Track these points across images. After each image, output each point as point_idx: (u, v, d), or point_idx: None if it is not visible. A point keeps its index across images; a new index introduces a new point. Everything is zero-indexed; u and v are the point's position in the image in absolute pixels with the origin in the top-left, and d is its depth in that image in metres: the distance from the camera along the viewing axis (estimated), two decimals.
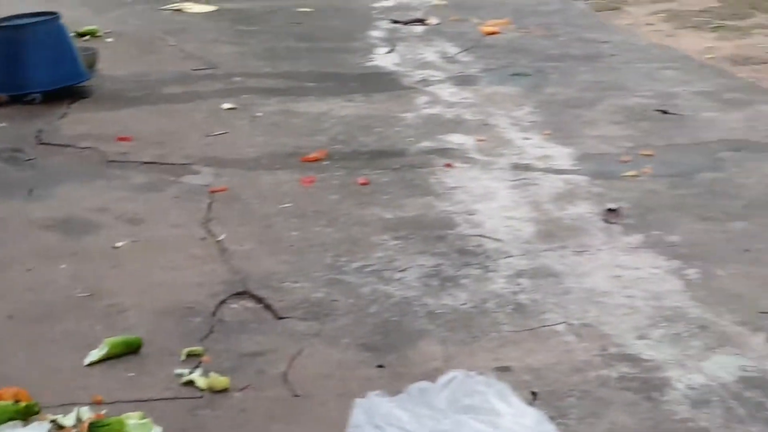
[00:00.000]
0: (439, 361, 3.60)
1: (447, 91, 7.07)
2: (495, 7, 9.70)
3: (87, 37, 8.40)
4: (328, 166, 5.64)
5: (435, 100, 6.87)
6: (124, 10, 9.78)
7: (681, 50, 8.13)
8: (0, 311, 4.05)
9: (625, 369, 3.56)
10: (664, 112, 6.47)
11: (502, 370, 3.54)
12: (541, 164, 5.64)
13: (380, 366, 3.60)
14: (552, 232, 4.76)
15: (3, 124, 6.46)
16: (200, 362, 3.63)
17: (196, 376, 3.52)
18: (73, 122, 6.48)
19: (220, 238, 4.73)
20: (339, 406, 3.19)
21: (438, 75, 7.50)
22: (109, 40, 8.52)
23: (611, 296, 4.11)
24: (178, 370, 3.58)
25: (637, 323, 3.89)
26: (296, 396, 3.43)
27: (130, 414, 3.24)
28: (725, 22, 9.08)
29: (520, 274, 4.32)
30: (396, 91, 7.09)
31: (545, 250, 4.55)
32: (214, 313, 4.02)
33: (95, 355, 3.65)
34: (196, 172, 5.65)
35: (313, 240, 4.70)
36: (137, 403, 3.37)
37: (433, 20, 9.28)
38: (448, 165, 5.62)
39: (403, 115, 6.54)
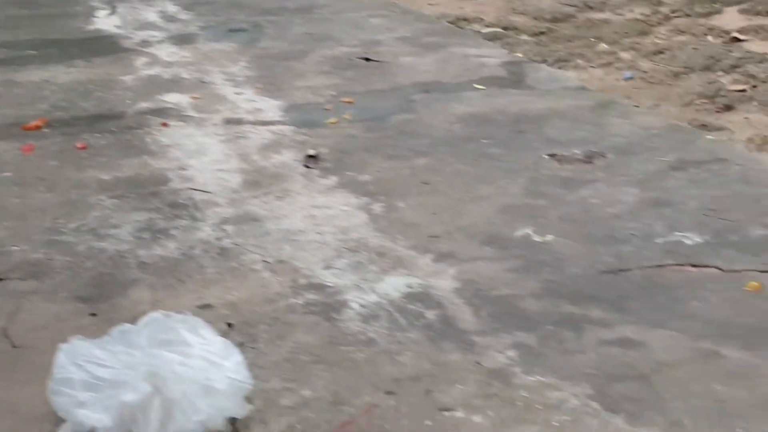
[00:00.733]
0: (147, 305, 4.03)
1: (166, 51, 7.45)
2: None
3: None
4: (48, 134, 5.93)
5: (154, 61, 7.23)
6: None
7: None
8: None
9: (310, 296, 4.11)
10: (367, 60, 7.07)
11: (204, 308, 4.01)
12: (251, 117, 6.13)
13: (93, 314, 4.00)
14: (257, 180, 5.26)
15: None
16: None
17: None
18: None
19: None
20: (54, 353, 3.59)
21: (158, 35, 7.86)
22: None
23: (305, 234, 4.66)
24: None
25: (325, 256, 4.45)
26: (15, 347, 3.80)
27: None
28: None
29: (225, 221, 4.81)
30: (116, 54, 7.41)
31: (250, 198, 5.05)
32: None
33: None
34: None
35: (33, 205, 5.02)
36: None
37: None
38: (164, 124, 6.03)
39: (123, 77, 6.89)
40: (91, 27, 8.15)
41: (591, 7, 8.61)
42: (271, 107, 6.28)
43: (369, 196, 5.02)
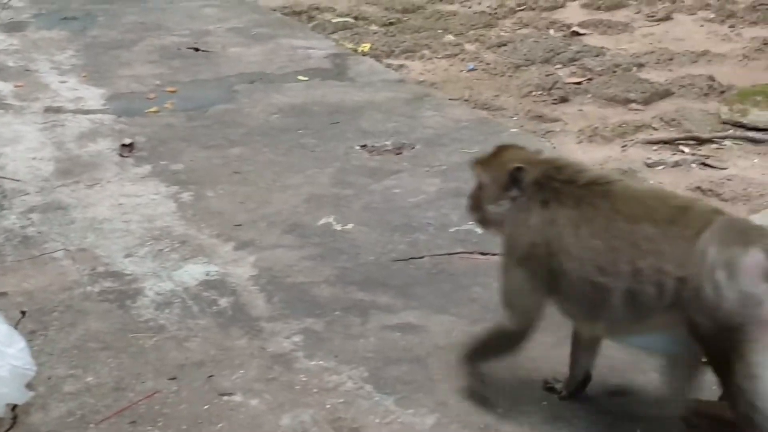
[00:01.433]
0: None
1: None
2: None
3: None
4: None
5: None
6: None
7: None
8: None
9: (107, 284, 4.21)
10: (196, 50, 7.15)
11: None
12: (72, 106, 6.16)
13: None
14: (69, 169, 5.31)
15: None
16: None
17: None
18: None
19: None
20: None
21: None
22: None
23: (110, 222, 4.75)
24: None
25: (127, 244, 4.55)
26: None
27: None
28: None
29: (32, 209, 4.86)
30: None
31: (60, 186, 5.11)
32: None
33: None
34: None
35: None
36: None
37: None
38: None
39: None
40: None
41: None
42: (93, 96, 6.32)
43: (180, 185, 5.13)
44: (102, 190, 5.07)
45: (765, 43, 7.39)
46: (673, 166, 5.44)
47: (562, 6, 8.57)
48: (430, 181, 5.16)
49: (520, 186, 3.29)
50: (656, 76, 6.81)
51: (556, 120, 6.16)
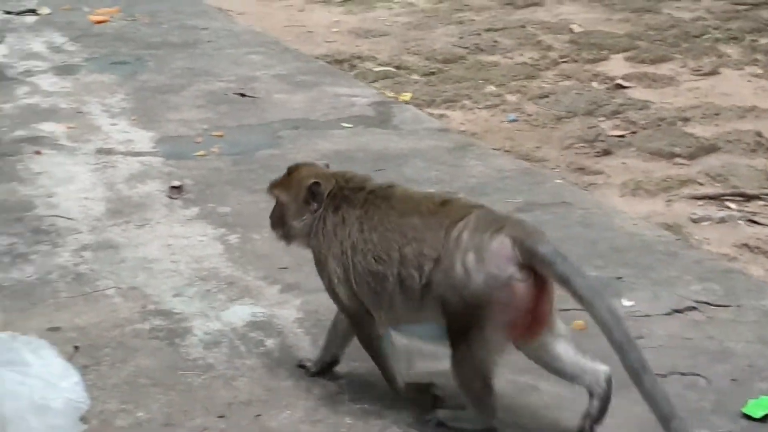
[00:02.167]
0: None
1: (48, 81, 7.60)
2: None
3: None
4: None
5: (34, 90, 7.39)
6: None
7: (269, 35, 9.05)
8: None
9: (157, 322, 4.32)
10: (242, 95, 7.30)
11: (53, 330, 4.20)
12: (122, 148, 6.32)
13: None
14: (120, 209, 5.45)
15: None
16: None
17: None
18: None
19: None
20: None
21: (42, 65, 8.01)
22: None
23: (160, 262, 4.86)
24: None
25: (176, 284, 4.66)
26: None
27: None
28: None
29: (84, 247, 4.99)
30: None
31: (111, 226, 5.24)
32: None
33: None
34: None
35: None
36: None
37: (45, 10, 9.69)
38: (38, 152, 6.19)
39: (2, 105, 7.03)
40: None
41: (482, 50, 8.90)
42: (143, 138, 6.47)
43: (227, 227, 5.24)
44: (151, 231, 5.20)
45: None
46: (719, 222, 5.48)
47: (605, 59, 8.64)
48: None
49: (318, 199, 3.76)
50: (702, 130, 6.85)
51: (599, 173, 6.22)
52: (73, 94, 7.32)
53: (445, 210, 3.58)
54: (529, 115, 7.27)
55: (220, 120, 6.82)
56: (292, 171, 3.93)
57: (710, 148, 6.54)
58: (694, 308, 4.43)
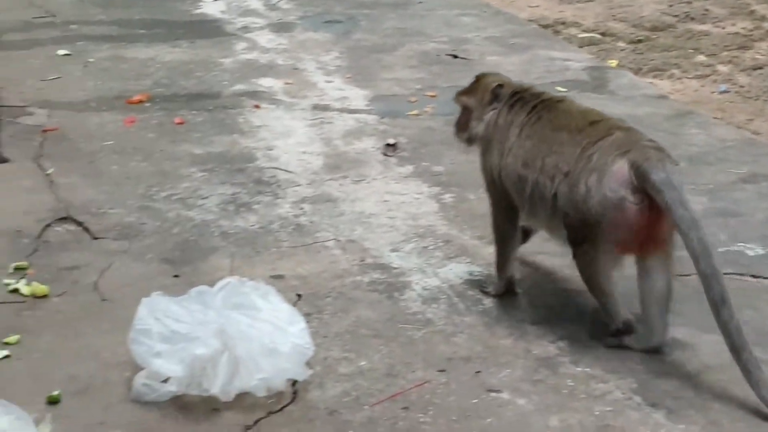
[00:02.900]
0: (225, 271, 4.33)
1: (265, 38, 7.78)
2: None
3: None
4: (149, 108, 6.30)
5: (253, 46, 7.57)
6: None
7: None
8: None
9: (376, 275, 4.37)
10: (455, 57, 7.29)
11: (276, 278, 4.30)
12: (338, 105, 6.41)
13: (176, 276, 4.33)
14: (337, 164, 5.53)
15: None
16: (25, 274, 4.30)
17: (21, 285, 4.20)
18: None
19: (49, 172, 5.35)
20: (137, 308, 3.90)
21: (259, 22, 8.20)
22: None
23: (377, 217, 4.92)
24: (6, 281, 4.24)
25: (393, 239, 4.70)
26: (104, 300, 4.15)
27: None
28: None
29: (304, 200, 5.09)
30: (218, 38, 7.77)
31: (329, 180, 5.33)
32: (39, 235, 4.67)
33: None
34: (30, 114, 6.23)
35: (129, 173, 5.38)
36: None
37: None
38: (257, 106, 6.34)
39: (222, 60, 7.23)
40: (198, 11, 8.53)
41: (692, 18, 8.61)
42: (357, 96, 6.55)
43: (441, 186, 5.26)
44: (368, 187, 5.26)
45: None
46: None
47: None
48: (696, 200, 5.06)
49: (499, 99, 4.08)
50: None
51: None
52: (289, 50, 7.47)
53: (590, 129, 3.79)
54: (741, 86, 7.01)
55: (433, 80, 6.83)
56: (479, 78, 4.27)
57: None
58: None
